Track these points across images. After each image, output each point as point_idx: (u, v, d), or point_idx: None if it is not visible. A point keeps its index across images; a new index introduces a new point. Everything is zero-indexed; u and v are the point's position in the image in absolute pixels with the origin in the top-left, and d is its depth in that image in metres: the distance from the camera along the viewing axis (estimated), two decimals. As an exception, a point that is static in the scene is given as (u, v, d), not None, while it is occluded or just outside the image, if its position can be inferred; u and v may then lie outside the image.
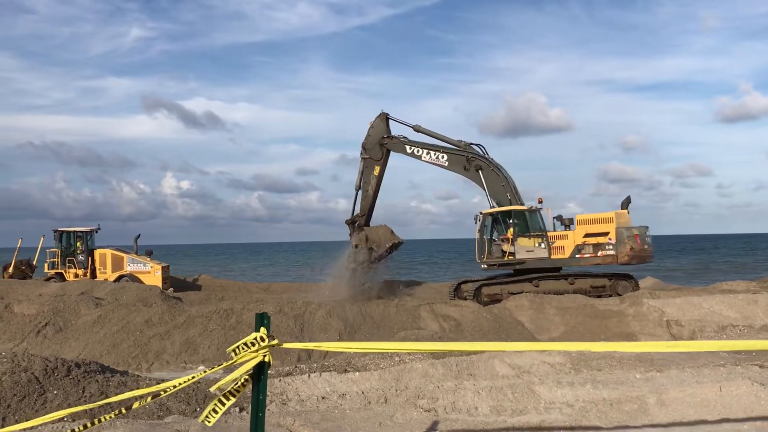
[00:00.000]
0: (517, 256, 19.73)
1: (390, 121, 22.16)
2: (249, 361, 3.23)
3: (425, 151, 21.32)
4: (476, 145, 21.39)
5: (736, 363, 7.73)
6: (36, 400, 6.33)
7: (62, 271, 26.69)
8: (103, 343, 13.81)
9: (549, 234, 19.82)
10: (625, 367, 7.64)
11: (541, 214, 20.40)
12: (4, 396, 6.21)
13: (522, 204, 20.44)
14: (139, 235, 28.16)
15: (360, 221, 22.09)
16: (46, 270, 27.24)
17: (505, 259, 19.95)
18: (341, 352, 9.74)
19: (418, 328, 14.08)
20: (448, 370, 7.54)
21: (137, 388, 6.77)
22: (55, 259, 27.03)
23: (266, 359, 3.27)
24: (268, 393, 4.03)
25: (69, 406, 6.24)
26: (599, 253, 19.05)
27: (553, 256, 19.59)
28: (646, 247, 19.10)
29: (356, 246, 21.72)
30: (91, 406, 4.28)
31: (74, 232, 27.32)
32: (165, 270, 26.47)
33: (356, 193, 22.20)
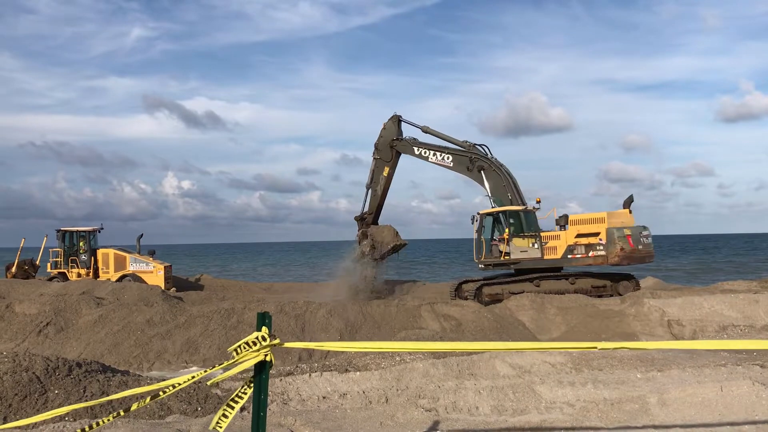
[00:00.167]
0: (512, 256, 19.92)
1: (402, 123, 22.79)
2: (249, 359, 3.24)
3: (432, 152, 21.81)
4: (481, 145, 21.70)
5: (738, 363, 7.73)
6: (37, 399, 6.34)
7: (65, 270, 26.75)
8: (105, 343, 13.83)
9: (543, 234, 19.92)
10: (626, 367, 7.64)
11: (535, 215, 20.52)
12: (5, 395, 6.22)
13: (524, 204, 20.55)
14: (142, 235, 28.25)
15: (368, 219, 22.78)
16: (49, 270, 27.30)
17: (501, 259, 20.12)
18: (342, 352, 9.75)
19: (419, 328, 14.08)
20: (449, 370, 7.54)
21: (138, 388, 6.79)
22: (58, 259, 27.08)
23: (268, 358, 3.27)
24: (269, 393, 4.03)
25: (70, 405, 6.25)
26: (590, 254, 19.06)
27: (546, 257, 19.70)
28: (640, 247, 18.89)
29: (360, 242, 22.51)
30: (92, 403, 4.28)
31: (77, 231, 27.38)
32: (167, 270, 26.51)
33: (367, 191, 22.88)
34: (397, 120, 22.57)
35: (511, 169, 21.44)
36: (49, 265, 27.34)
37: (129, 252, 26.96)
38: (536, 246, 19.72)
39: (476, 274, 22.30)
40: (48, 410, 6.16)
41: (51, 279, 26.27)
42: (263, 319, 3.30)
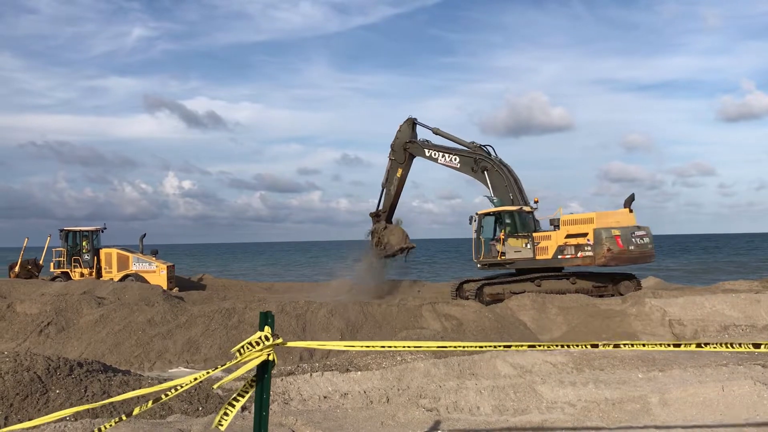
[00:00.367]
0: (507, 256, 20.17)
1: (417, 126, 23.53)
2: (253, 359, 3.25)
3: (441, 154, 22.39)
4: (486, 146, 22.04)
5: (739, 363, 7.71)
6: (38, 399, 6.34)
7: (68, 270, 26.78)
8: (106, 343, 13.83)
9: (535, 235, 20.02)
10: (627, 367, 7.63)
11: (531, 215, 20.62)
12: (6, 395, 6.22)
13: (527, 204, 20.69)
14: (145, 234, 28.35)
15: (382, 216, 23.72)
16: (52, 269, 27.33)
17: (498, 259, 20.31)
18: (343, 352, 9.75)
19: (420, 328, 14.08)
20: (450, 370, 7.54)
21: (139, 388, 6.79)
22: (61, 259, 27.11)
23: (270, 358, 3.28)
24: (270, 392, 4.03)
25: (71, 405, 6.25)
26: (579, 254, 19.10)
27: (537, 257, 19.82)
28: (631, 248, 18.77)
29: (371, 236, 23.69)
30: (95, 405, 4.29)
31: (80, 231, 27.40)
32: (170, 269, 26.54)
33: (382, 190, 23.74)
34: (411, 123, 23.19)
35: (513, 169, 21.69)
36: (52, 264, 27.37)
37: (132, 252, 26.99)
38: (529, 246, 19.84)
39: (478, 273, 22.39)
40: (49, 410, 6.16)
41: (54, 279, 26.30)
42: (266, 319, 3.30)
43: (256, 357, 3.23)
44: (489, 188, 21.23)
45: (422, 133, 23.38)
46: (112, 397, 6.43)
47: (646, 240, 19.28)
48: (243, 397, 3.36)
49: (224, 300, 21.17)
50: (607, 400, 6.19)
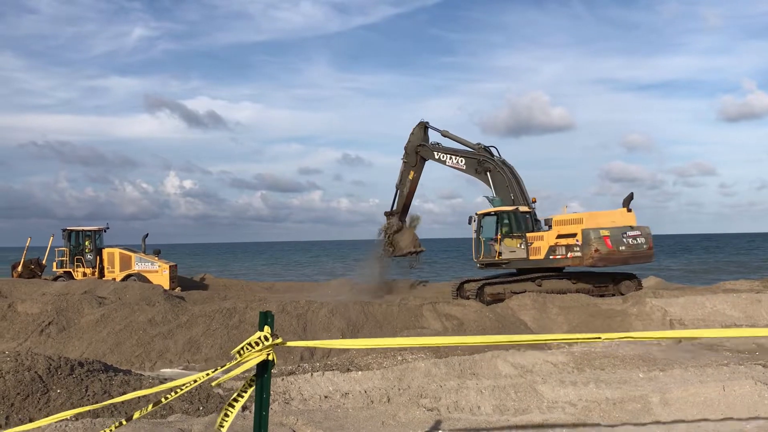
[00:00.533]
0: (503, 256, 20.33)
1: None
2: (252, 359, 3.25)
3: (448, 156, 22.82)
4: (491, 147, 22.32)
5: (740, 362, 7.72)
6: (39, 398, 6.35)
7: (71, 270, 26.81)
8: (106, 342, 13.84)
9: (528, 235, 20.11)
10: (628, 367, 7.63)
11: (528, 215, 20.70)
12: (8, 394, 6.23)
13: (528, 205, 20.78)
14: (147, 234, 28.30)
15: (395, 216, 24.21)
16: (54, 269, 27.35)
17: (495, 259, 20.47)
18: (344, 352, 9.75)
19: (421, 327, 14.08)
20: (450, 370, 7.54)
21: (140, 388, 6.79)
22: (64, 258, 27.14)
23: (270, 358, 3.28)
24: (271, 392, 4.03)
25: (72, 404, 6.26)
26: (569, 255, 19.12)
27: (531, 257, 19.93)
28: (621, 248, 18.64)
29: (384, 234, 24.17)
30: (96, 406, 4.29)
31: (83, 231, 27.43)
32: (173, 269, 26.56)
33: (396, 191, 24.31)
34: (423, 126, 23.63)
35: (516, 169, 21.90)
36: (54, 264, 27.40)
37: (134, 251, 27.01)
38: (522, 246, 19.96)
39: (476, 273, 22.47)
40: (50, 409, 6.17)
41: (56, 278, 26.33)
42: (266, 318, 3.30)
43: (256, 357, 3.24)
44: (491, 189, 21.42)
45: (432, 136, 23.88)
46: (113, 396, 6.44)
47: (641, 240, 19.09)
48: (243, 397, 3.36)
49: (225, 300, 21.16)
50: (607, 399, 6.19)
